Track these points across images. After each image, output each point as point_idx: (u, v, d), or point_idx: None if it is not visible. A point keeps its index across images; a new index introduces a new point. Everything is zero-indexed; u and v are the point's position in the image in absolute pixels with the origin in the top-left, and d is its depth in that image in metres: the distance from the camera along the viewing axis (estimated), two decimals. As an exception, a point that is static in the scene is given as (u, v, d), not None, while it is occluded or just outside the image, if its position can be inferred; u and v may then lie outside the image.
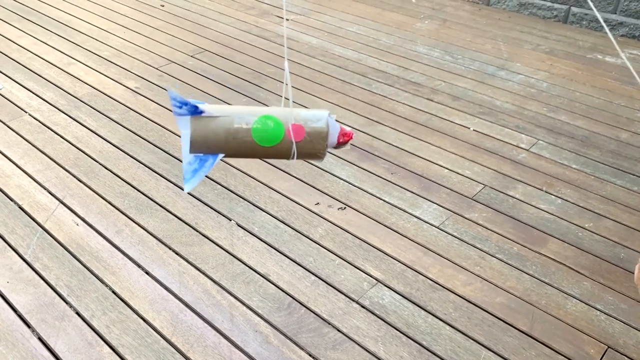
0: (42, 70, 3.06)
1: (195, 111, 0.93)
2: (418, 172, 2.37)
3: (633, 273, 1.90)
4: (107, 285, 1.76)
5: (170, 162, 2.35)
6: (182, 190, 2.18)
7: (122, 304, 1.70)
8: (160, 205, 2.10)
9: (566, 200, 2.24)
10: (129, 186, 2.19)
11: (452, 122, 2.76)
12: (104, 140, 2.47)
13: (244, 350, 1.58)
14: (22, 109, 2.68)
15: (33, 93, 2.83)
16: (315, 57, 3.39)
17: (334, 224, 2.06)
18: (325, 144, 0.98)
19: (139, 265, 1.83)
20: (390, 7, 4.31)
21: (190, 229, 2.00)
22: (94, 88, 2.91)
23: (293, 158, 0.98)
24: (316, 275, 1.83)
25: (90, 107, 2.73)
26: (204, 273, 1.82)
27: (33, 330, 1.60)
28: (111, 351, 1.55)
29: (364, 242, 1.98)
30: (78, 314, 1.66)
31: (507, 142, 2.61)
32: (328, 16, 4.07)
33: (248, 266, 1.86)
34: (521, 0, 4.28)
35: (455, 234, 2.04)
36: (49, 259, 1.84)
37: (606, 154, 2.55)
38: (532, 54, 3.56)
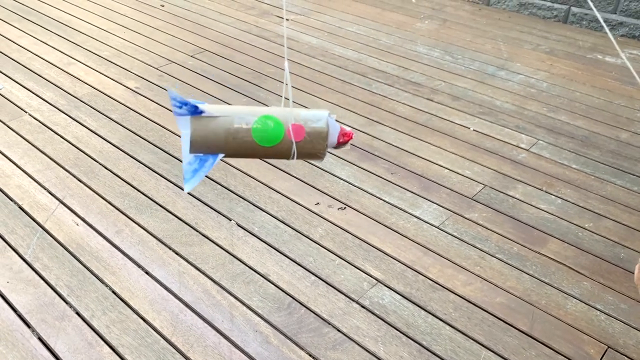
0: (42, 70, 3.06)
1: (195, 111, 0.93)
2: (418, 172, 2.37)
3: (633, 273, 1.90)
4: (107, 285, 1.76)
5: (170, 162, 2.35)
6: (182, 190, 2.18)
7: (122, 304, 1.70)
8: (160, 205, 2.10)
9: (566, 200, 2.24)
10: (129, 186, 2.19)
11: (452, 122, 2.76)
12: (104, 140, 2.47)
13: (244, 350, 1.58)
14: (22, 109, 2.68)
15: (33, 93, 2.83)
16: (315, 57, 3.39)
17: (334, 224, 2.06)
18: (325, 144, 0.98)
19: (139, 265, 1.83)
20: (390, 7, 4.31)
21: (190, 229, 2.00)
22: (94, 88, 2.91)
23: (293, 158, 0.98)
24: (316, 275, 1.83)
25: (90, 107, 2.73)
26: (204, 273, 1.82)
27: (33, 330, 1.61)
28: (111, 351, 1.55)
29: (364, 242, 1.98)
30: (78, 314, 1.66)
31: (507, 142, 2.61)
32: (328, 16, 4.07)
33: (248, 266, 1.86)
34: (521, 0, 4.28)
35: (455, 234, 2.04)
36: (49, 259, 1.84)
37: (606, 154, 2.55)
38: (532, 54, 3.57)
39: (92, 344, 1.57)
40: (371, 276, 1.84)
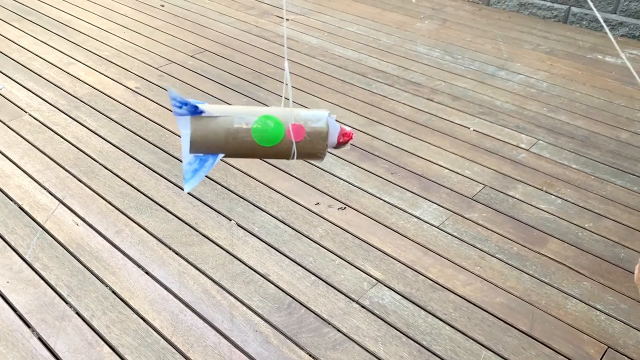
0: (42, 70, 3.06)
1: (195, 111, 0.93)
2: (418, 172, 2.37)
3: (633, 273, 1.90)
4: (107, 285, 1.76)
5: (170, 162, 2.35)
6: (182, 190, 2.18)
7: (122, 304, 1.70)
8: (160, 205, 2.10)
9: (566, 200, 2.24)
10: (129, 186, 2.19)
11: (452, 122, 2.76)
12: (104, 140, 2.47)
13: (244, 350, 1.58)
14: (22, 109, 2.68)
15: (33, 93, 2.83)
16: (315, 57, 3.39)
17: (334, 224, 2.06)
18: (325, 144, 0.98)
19: (139, 265, 1.83)
20: (390, 7, 4.31)
21: (190, 229, 2.00)
22: (94, 88, 2.91)
23: (293, 158, 0.98)
24: (316, 275, 1.83)
25: (90, 107, 2.73)
26: (204, 273, 1.82)
27: (33, 330, 1.61)
28: (111, 351, 1.55)
29: (364, 242, 1.98)
30: (78, 314, 1.66)
31: (507, 142, 2.61)
32: (328, 16, 4.07)
33: (248, 266, 1.86)
34: (521, 0, 4.28)
35: (455, 234, 2.04)
36: (49, 259, 1.84)
37: (606, 154, 2.55)
38: (532, 54, 3.57)
39: (92, 344, 1.57)
40: (371, 276, 1.84)
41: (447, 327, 1.68)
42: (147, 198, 2.13)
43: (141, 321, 1.64)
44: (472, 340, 1.64)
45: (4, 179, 2.21)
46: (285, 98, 2.95)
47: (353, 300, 1.75)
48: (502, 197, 2.24)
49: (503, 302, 1.77)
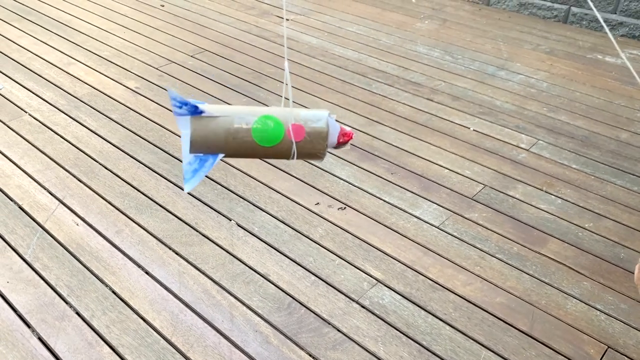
0: (42, 70, 3.06)
1: (195, 111, 0.93)
2: (418, 172, 2.37)
3: (633, 273, 1.90)
4: (107, 285, 1.76)
5: (170, 162, 2.35)
6: (182, 190, 2.18)
7: (122, 304, 1.70)
8: (160, 205, 2.10)
9: (566, 200, 2.24)
10: (129, 186, 2.19)
11: (452, 122, 2.76)
12: (104, 140, 2.47)
13: (244, 350, 1.58)
14: (22, 109, 2.68)
15: (33, 93, 2.83)
16: (315, 57, 3.39)
17: (334, 224, 2.06)
18: (325, 144, 0.98)
19: (139, 265, 1.83)
20: (390, 7, 4.31)
21: (190, 229, 2.00)
22: (94, 88, 2.91)
23: (293, 158, 0.98)
24: (316, 275, 1.83)
25: (90, 107, 2.73)
26: (204, 273, 1.82)
27: (33, 330, 1.61)
28: (111, 351, 1.55)
29: (364, 242, 1.98)
30: (78, 314, 1.66)
31: (507, 142, 2.61)
32: (328, 16, 4.07)
33: (248, 266, 1.86)
34: (521, 0, 4.28)
35: (455, 234, 2.04)
36: (49, 259, 1.84)
37: (606, 154, 2.55)
38: (532, 54, 3.57)
39: (92, 344, 1.57)
40: (371, 276, 1.84)
41: (447, 327, 1.68)
42: (147, 198, 2.13)
43: (141, 321, 1.64)
44: (472, 340, 1.64)
45: (4, 179, 2.21)
46: (285, 98, 2.95)
47: (353, 300, 1.75)
48: (502, 197, 2.24)
49: (503, 302, 1.77)
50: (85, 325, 1.62)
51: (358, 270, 1.86)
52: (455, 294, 1.79)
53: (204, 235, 1.97)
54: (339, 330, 1.65)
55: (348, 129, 1.01)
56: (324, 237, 1.99)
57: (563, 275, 1.89)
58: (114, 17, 3.88)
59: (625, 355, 1.62)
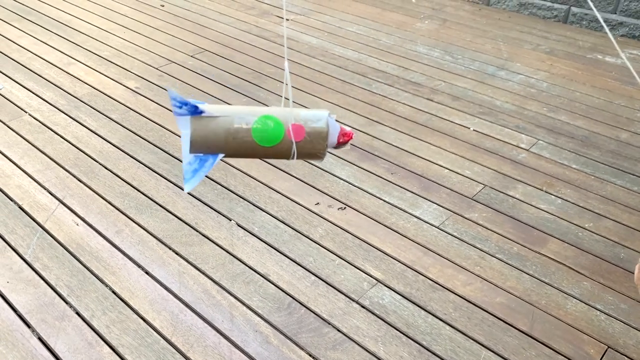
0: (42, 70, 3.06)
1: (195, 111, 0.93)
2: (418, 172, 2.37)
3: (633, 273, 1.90)
4: (107, 285, 1.76)
5: (170, 162, 2.35)
6: (182, 190, 2.18)
7: (122, 304, 1.70)
8: (160, 205, 2.10)
9: (566, 200, 2.24)
10: (129, 186, 2.19)
11: (452, 122, 2.76)
12: (104, 140, 2.47)
13: (244, 350, 1.58)
14: (22, 109, 2.68)
15: (33, 93, 2.83)
16: (315, 57, 3.39)
17: (334, 224, 2.06)
18: (325, 144, 0.98)
19: (139, 265, 1.83)
20: (390, 7, 4.31)
21: (190, 229, 2.00)
22: (94, 88, 2.91)
23: (293, 158, 0.98)
24: (316, 275, 1.83)
25: (90, 107, 2.73)
26: (204, 273, 1.82)
27: (33, 330, 1.61)
28: (111, 351, 1.55)
29: (364, 242, 1.98)
30: (78, 314, 1.66)
31: (507, 142, 2.61)
32: (328, 16, 4.07)
33: (248, 266, 1.86)
34: (521, 0, 4.28)
35: (455, 234, 2.04)
36: (49, 259, 1.84)
37: (606, 154, 2.55)
38: (532, 54, 3.57)
39: (92, 344, 1.57)
40: (371, 276, 1.84)
41: (447, 327, 1.68)
42: (147, 198, 2.13)
43: (141, 321, 1.64)
44: (472, 340, 1.64)
45: (4, 179, 2.21)
46: (285, 98, 2.95)
47: (353, 300, 1.75)
48: (502, 197, 2.24)
49: (503, 302, 1.77)
50: (85, 325, 1.62)
51: (358, 270, 1.86)
52: (455, 294, 1.79)
53: (204, 235, 1.97)
54: (339, 330, 1.65)
55: (348, 129, 1.01)
56: (324, 237, 1.99)
57: (563, 275, 1.89)
58: (114, 17, 3.88)
59: (625, 355, 1.62)
